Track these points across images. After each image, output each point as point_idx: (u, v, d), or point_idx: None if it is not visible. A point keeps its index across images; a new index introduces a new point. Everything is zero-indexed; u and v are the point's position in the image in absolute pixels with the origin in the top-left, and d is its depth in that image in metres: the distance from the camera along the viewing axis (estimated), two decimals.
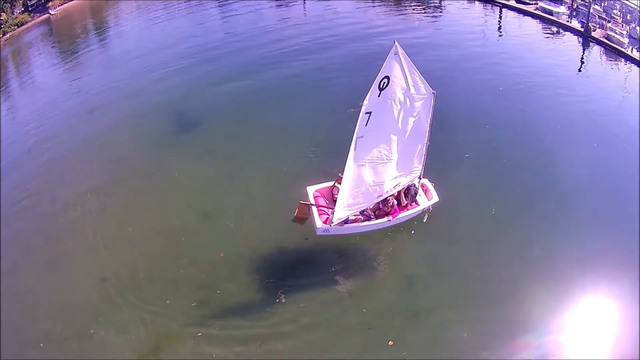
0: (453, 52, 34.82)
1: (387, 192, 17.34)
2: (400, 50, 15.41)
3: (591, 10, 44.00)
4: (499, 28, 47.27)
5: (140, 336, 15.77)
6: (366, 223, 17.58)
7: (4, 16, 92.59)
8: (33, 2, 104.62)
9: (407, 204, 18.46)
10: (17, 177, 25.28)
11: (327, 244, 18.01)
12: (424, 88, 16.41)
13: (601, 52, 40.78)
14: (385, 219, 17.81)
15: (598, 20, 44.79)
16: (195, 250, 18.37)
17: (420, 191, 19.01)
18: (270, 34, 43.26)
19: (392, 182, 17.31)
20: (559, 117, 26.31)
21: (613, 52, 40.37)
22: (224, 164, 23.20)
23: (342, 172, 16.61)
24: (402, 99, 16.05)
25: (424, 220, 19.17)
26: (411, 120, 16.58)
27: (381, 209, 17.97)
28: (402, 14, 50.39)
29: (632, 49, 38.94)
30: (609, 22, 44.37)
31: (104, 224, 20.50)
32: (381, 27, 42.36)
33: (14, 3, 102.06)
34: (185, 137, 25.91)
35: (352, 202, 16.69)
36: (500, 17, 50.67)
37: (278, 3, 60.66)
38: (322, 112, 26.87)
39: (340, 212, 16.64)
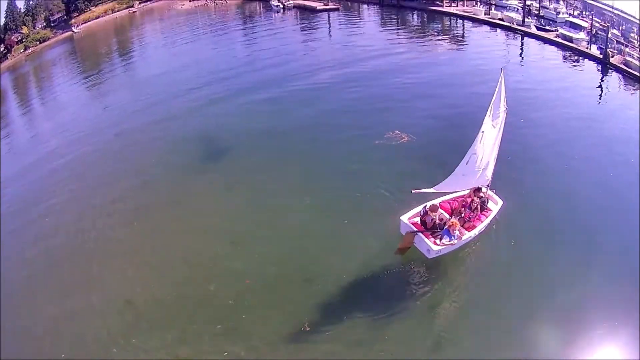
0: (476, 81, 35.74)
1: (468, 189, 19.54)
2: (502, 76, 17.54)
3: (609, 35, 44.31)
4: (521, 55, 47.91)
5: (164, 357, 15.83)
6: (469, 234, 18.35)
7: (25, 30, 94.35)
8: (55, 18, 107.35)
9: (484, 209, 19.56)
10: (41, 196, 25.89)
11: (352, 273, 18.04)
12: (504, 104, 18.26)
13: (620, 80, 41.12)
14: (479, 227, 18.73)
15: (616, 45, 45.11)
16: (222, 277, 18.49)
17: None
18: (298, 64, 44.79)
19: (476, 182, 19.33)
20: (575, 145, 26.56)
21: (631, 78, 40.72)
22: (253, 194, 23.41)
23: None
24: (498, 116, 18.15)
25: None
26: (499, 133, 18.67)
27: (463, 217, 18.84)
28: (426, 45, 51.24)
29: None
30: (626, 46, 44.66)
31: (130, 247, 20.79)
32: (408, 62, 43.36)
33: (35, 17, 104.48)
34: (215, 164, 26.36)
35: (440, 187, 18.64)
36: (522, 44, 51.43)
37: (303, 31, 62.49)
38: (349, 142, 27.22)
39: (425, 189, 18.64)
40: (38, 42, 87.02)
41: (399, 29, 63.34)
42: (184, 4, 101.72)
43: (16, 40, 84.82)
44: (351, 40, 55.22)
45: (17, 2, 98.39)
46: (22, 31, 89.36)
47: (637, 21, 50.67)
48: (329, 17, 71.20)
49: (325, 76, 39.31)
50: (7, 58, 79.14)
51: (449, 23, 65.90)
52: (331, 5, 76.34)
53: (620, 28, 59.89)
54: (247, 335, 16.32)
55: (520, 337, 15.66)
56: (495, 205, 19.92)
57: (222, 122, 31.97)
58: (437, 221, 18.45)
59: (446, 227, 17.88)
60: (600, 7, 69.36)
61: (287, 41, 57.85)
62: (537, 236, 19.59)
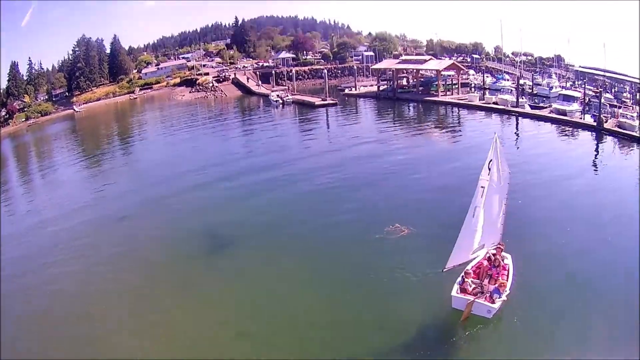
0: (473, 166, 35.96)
1: (482, 250, 20.52)
2: (498, 141, 19.04)
3: (602, 100, 45.39)
4: (516, 134, 49.54)
5: None
6: (507, 289, 19.19)
7: (27, 99, 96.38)
8: (57, 92, 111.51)
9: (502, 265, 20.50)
10: (42, 269, 24.81)
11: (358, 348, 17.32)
12: (506, 168, 19.93)
13: (614, 143, 42.23)
14: (509, 280, 19.58)
15: (609, 109, 46.27)
16: None
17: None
18: (296, 155, 45.02)
19: (489, 241, 20.74)
20: (573, 212, 26.42)
21: (626, 139, 41.80)
22: (257, 285, 22.36)
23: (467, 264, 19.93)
24: (497, 177, 19.53)
25: None
26: (501, 194, 20.25)
27: (492, 275, 19.77)
28: (422, 135, 52.51)
29: None
30: (619, 107, 45.81)
31: (132, 329, 19.60)
32: (404, 153, 43.48)
33: (37, 88, 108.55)
34: (219, 253, 25.43)
35: (459, 255, 19.51)
36: (517, 125, 53.31)
37: (302, 124, 64.90)
38: (350, 237, 26.13)
39: (450, 261, 19.39)
40: (40, 115, 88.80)
41: (395, 121, 64.91)
42: (184, 95, 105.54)
43: (18, 107, 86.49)
44: (348, 133, 55.80)
45: (19, 68, 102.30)
46: (24, 99, 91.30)
47: (630, 79, 52.29)
48: (327, 111, 72.89)
49: (324, 169, 38.83)
50: (9, 124, 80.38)
51: (444, 112, 68.25)
52: (329, 101, 78.95)
53: (613, 90, 62.10)
54: None
55: None
56: (508, 260, 20.94)
57: (225, 210, 31.10)
58: (474, 286, 19.49)
59: (495, 286, 19.00)
60: (591, 74, 72.38)
61: (286, 133, 59.21)
62: (540, 312, 18.98)
